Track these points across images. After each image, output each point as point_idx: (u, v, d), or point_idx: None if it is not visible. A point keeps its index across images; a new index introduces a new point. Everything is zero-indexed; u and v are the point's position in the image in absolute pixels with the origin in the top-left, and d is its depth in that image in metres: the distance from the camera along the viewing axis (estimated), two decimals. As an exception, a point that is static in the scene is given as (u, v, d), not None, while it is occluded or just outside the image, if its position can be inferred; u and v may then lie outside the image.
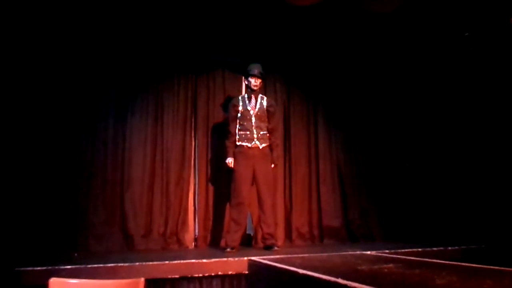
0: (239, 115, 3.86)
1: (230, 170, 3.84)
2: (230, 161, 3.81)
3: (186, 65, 4.50)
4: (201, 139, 4.46)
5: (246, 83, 3.99)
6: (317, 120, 4.93)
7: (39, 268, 2.47)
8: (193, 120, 4.50)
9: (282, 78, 4.89)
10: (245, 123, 3.85)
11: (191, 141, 4.45)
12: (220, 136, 4.35)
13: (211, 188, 4.36)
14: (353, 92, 5.10)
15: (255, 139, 3.81)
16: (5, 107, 3.59)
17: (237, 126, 3.86)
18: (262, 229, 3.86)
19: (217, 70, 4.63)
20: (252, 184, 3.81)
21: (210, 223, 4.29)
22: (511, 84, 4.05)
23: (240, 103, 3.90)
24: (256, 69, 3.90)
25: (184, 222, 4.23)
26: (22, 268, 2.45)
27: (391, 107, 5.15)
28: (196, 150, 4.46)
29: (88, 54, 4.08)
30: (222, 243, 3.92)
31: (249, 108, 3.88)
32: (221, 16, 4.37)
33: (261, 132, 3.86)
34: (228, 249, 3.54)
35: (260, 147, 3.82)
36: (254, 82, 3.90)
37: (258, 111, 3.90)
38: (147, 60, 4.33)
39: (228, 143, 3.86)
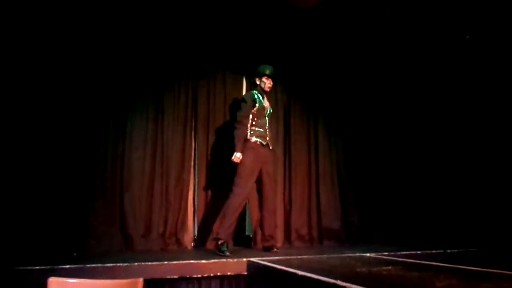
0: (255, 110, 3.78)
1: (235, 164, 3.66)
2: (239, 156, 3.62)
3: (187, 66, 4.50)
4: (201, 140, 4.46)
5: (259, 83, 3.93)
6: (318, 121, 4.93)
7: (38, 267, 2.46)
8: (193, 121, 4.50)
9: (283, 79, 4.88)
10: (259, 121, 3.81)
11: (191, 142, 4.45)
12: (221, 137, 4.35)
13: (210, 189, 4.35)
14: (354, 94, 5.11)
15: (268, 139, 3.83)
16: (5, 107, 3.60)
17: (251, 121, 3.77)
18: (263, 231, 3.80)
19: (218, 71, 4.63)
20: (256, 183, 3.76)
21: (210, 224, 4.28)
22: (510, 86, 4.05)
23: (257, 100, 3.85)
24: (270, 70, 3.93)
25: (184, 222, 4.23)
26: (22, 267, 2.45)
27: (391, 110, 5.15)
28: (196, 151, 4.45)
29: (89, 55, 4.08)
30: (210, 245, 3.79)
31: (264, 106, 3.89)
32: (223, 18, 4.39)
33: (271, 133, 3.91)
34: (227, 253, 3.32)
35: (270, 148, 3.85)
36: (269, 83, 3.93)
37: (269, 111, 3.95)
38: (148, 61, 4.33)
39: (239, 135, 3.67)
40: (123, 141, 4.15)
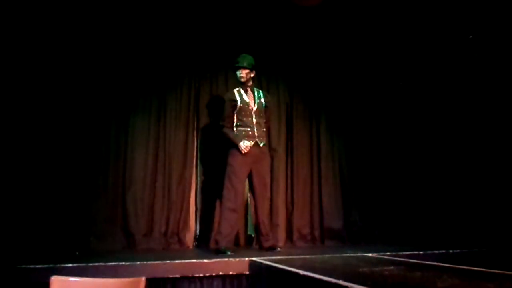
0: (237, 110, 3.70)
1: (225, 165, 3.67)
2: (242, 144, 3.55)
3: (190, 65, 4.51)
4: (204, 139, 4.46)
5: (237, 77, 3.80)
6: (320, 121, 4.92)
7: (40, 266, 2.47)
8: (195, 119, 4.51)
9: (285, 79, 4.89)
10: (244, 119, 3.68)
11: (193, 141, 4.46)
12: (223, 136, 4.36)
13: (212, 188, 4.35)
14: (356, 94, 5.10)
15: (256, 137, 3.68)
16: (9, 107, 3.61)
17: (235, 122, 3.70)
18: (260, 231, 3.77)
19: (220, 71, 4.63)
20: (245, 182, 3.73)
21: (212, 223, 4.28)
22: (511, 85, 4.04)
23: (238, 98, 3.73)
24: (242, 60, 3.73)
25: (186, 222, 4.24)
26: (24, 266, 2.46)
27: (394, 109, 5.14)
28: (198, 150, 4.46)
29: (92, 54, 4.10)
30: (212, 244, 3.85)
31: (248, 102, 3.74)
32: (225, 18, 4.39)
33: (261, 129, 3.74)
34: (229, 252, 3.37)
35: (261, 145, 3.71)
36: (240, 73, 3.73)
37: (257, 106, 3.77)
38: (150, 60, 4.34)
39: (227, 131, 3.68)
40: (125, 140, 4.16)
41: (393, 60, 5.08)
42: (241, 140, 3.61)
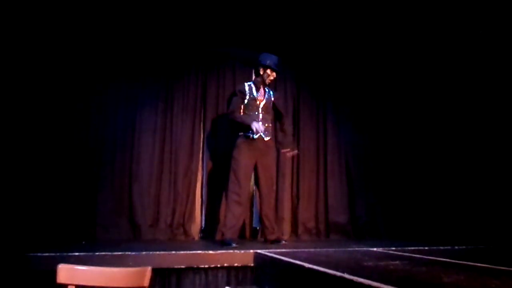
0: (244, 103, 3.72)
1: (230, 158, 3.68)
2: (254, 125, 3.53)
3: (196, 56, 4.51)
4: (210, 131, 4.47)
5: (262, 73, 3.76)
6: (326, 115, 4.91)
7: (48, 254, 2.51)
8: (202, 112, 4.51)
9: (292, 72, 4.87)
10: (251, 113, 3.70)
11: (200, 133, 4.47)
12: (230, 129, 4.36)
13: (218, 180, 4.36)
14: (363, 88, 5.07)
15: (261, 131, 3.69)
16: (17, 97, 3.64)
17: (242, 114, 3.72)
18: (265, 224, 3.76)
19: (227, 62, 4.62)
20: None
21: (217, 215, 4.30)
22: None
23: (247, 91, 3.74)
24: (275, 61, 3.76)
25: (191, 213, 4.26)
26: (33, 254, 2.49)
27: (400, 104, 5.10)
28: (205, 142, 4.47)
29: (100, 44, 4.11)
30: (218, 236, 3.89)
31: (257, 97, 3.75)
32: (232, 8, 4.36)
33: (266, 124, 3.75)
34: (234, 244, 3.37)
35: (265, 139, 3.72)
36: (272, 77, 3.78)
37: (265, 102, 3.79)
38: (158, 52, 4.34)
39: (237, 117, 3.65)
40: (132, 131, 4.18)
41: (400, 52, 5.01)
42: (252, 121, 3.59)
